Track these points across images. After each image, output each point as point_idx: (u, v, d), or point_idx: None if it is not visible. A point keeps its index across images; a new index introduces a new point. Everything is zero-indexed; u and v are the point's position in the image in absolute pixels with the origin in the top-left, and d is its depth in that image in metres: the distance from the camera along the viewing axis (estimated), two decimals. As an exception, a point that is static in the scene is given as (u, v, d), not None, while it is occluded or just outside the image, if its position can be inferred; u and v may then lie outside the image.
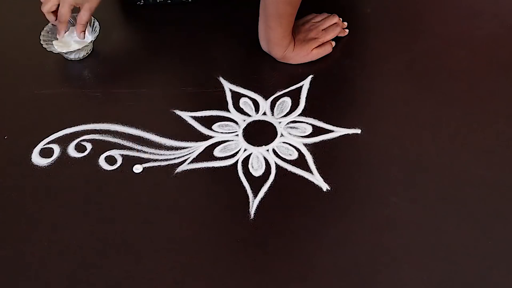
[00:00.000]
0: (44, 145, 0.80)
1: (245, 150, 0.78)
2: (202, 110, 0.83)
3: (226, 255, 0.68)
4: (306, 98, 0.84)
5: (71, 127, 0.82)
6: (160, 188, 0.75)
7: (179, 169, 0.76)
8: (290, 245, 0.69)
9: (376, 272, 0.66)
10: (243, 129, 0.81)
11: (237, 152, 0.78)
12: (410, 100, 0.84)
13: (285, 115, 0.82)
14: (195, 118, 0.82)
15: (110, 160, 0.78)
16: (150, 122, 0.82)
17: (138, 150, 0.79)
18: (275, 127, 0.81)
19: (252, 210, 0.72)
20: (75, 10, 0.90)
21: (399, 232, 0.69)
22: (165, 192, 0.75)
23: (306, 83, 0.86)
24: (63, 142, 0.80)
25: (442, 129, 0.80)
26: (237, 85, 0.86)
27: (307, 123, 0.81)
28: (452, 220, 0.70)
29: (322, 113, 0.82)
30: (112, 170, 0.77)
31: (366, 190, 0.74)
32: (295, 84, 0.86)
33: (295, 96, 0.84)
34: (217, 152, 0.78)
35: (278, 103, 0.84)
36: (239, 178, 0.75)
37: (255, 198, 0.73)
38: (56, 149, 0.79)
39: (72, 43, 0.90)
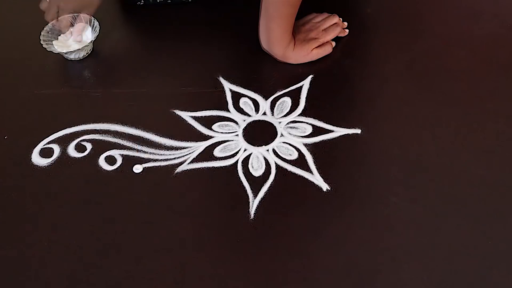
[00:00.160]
0: (44, 145, 0.80)
1: (245, 150, 0.78)
2: (202, 110, 0.83)
3: (226, 255, 0.68)
4: (306, 98, 0.84)
5: (71, 127, 0.82)
6: (160, 188, 0.75)
7: (179, 169, 0.76)
8: (290, 245, 0.69)
9: (376, 272, 0.66)
10: (243, 129, 0.81)
11: (237, 152, 0.78)
12: (410, 100, 0.84)
13: (285, 115, 0.82)
14: (195, 118, 0.82)
15: (110, 160, 0.78)
16: (150, 122, 0.82)
17: (138, 150, 0.79)
18: (275, 127, 0.81)
19: (252, 210, 0.72)
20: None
21: (399, 232, 0.69)
22: (165, 192, 0.74)
23: (306, 83, 0.86)
24: (63, 142, 0.80)
25: (442, 129, 0.80)
26: (237, 85, 0.86)
27: (307, 123, 0.81)
28: (452, 220, 0.70)
29: (322, 113, 0.82)
30: (112, 170, 0.77)
31: (366, 190, 0.74)
32: (295, 84, 0.86)
33: (295, 96, 0.84)
34: (217, 152, 0.78)
35: (278, 103, 0.84)
36: (239, 178, 0.75)
37: (255, 198, 0.73)
38: (56, 149, 0.79)
39: (72, 43, 0.90)
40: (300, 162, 0.77)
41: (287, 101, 0.84)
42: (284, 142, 0.79)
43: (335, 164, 0.77)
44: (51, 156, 0.78)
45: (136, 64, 0.92)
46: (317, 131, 0.80)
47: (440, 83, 0.86)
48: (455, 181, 0.74)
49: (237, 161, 0.77)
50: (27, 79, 0.90)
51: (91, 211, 0.73)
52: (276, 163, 0.76)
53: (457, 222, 0.70)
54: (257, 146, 0.79)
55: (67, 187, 0.75)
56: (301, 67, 0.88)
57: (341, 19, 0.93)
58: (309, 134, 0.80)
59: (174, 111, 0.83)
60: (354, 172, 0.76)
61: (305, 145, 0.78)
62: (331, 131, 0.80)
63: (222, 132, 0.81)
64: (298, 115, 0.82)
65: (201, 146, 0.79)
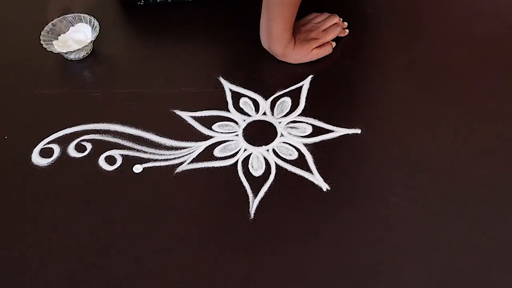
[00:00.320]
0: (44, 145, 0.80)
1: (245, 150, 0.78)
2: (202, 110, 0.83)
3: (226, 255, 0.68)
4: (306, 98, 0.84)
5: (71, 127, 0.82)
6: (160, 188, 0.75)
7: (179, 169, 0.76)
8: (290, 245, 0.69)
9: (376, 272, 0.66)
10: (243, 129, 0.81)
11: (237, 152, 0.78)
12: (410, 100, 0.84)
13: (285, 115, 0.82)
14: (195, 118, 0.82)
15: (110, 160, 0.78)
16: (150, 122, 0.82)
17: (138, 150, 0.79)
18: (275, 127, 0.81)
19: (252, 210, 0.71)
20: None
21: (399, 232, 0.69)
22: (165, 192, 0.74)
23: (306, 83, 0.86)
24: (63, 142, 0.80)
25: (442, 129, 0.80)
26: (237, 85, 0.86)
27: (307, 123, 0.81)
28: (452, 220, 0.70)
29: (322, 113, 0.82)
30: (112, 170, 0.77)
31: (366, 190, 0.74)
32: (295, 84, 0.86)
33: (295, 96, 0.84)
34: (217, 152, 0.78)
35: (278, 103, 0.84)
36: (239, 178, 0.75)
37: (255, 198, 0.73)
38: (56, 149, 0.79)
39: (72, 43, 0.90)
40: (300, 162, 0.77)
41: (287, 101, 0.84)
42: (284, 142, 0.79)
43: (335, 164, 0.77)
44: (51, 156, 0.78)
45: (136, 64, 0.92)
46: (317, 131, 0.80)
47: (440, 83, 0.86)
48: (455, 181, 0.74)
49: (237, 161, 0.77)
50: (27, 79, 0.90)
51: (91, 211, 0.73)
52: (276, 163, 0.76)
53: (457, 222, 0.70)
54: (257, 146, 0.79)
55: (67, 187, 0.75)
56: (301, 67, 0.88)
57: (341, 19, 0.93)
58: (309, 134, 0.80)
59: (174, 111, 0.83)
60: (354, 172, 0.76)
61: (305, 145, 0.78)
62: (331, 131, 0.80)
63: (222, 132, 0.81)
64: (298, 115, 0.82)
65: (201, 146, 0.79)
